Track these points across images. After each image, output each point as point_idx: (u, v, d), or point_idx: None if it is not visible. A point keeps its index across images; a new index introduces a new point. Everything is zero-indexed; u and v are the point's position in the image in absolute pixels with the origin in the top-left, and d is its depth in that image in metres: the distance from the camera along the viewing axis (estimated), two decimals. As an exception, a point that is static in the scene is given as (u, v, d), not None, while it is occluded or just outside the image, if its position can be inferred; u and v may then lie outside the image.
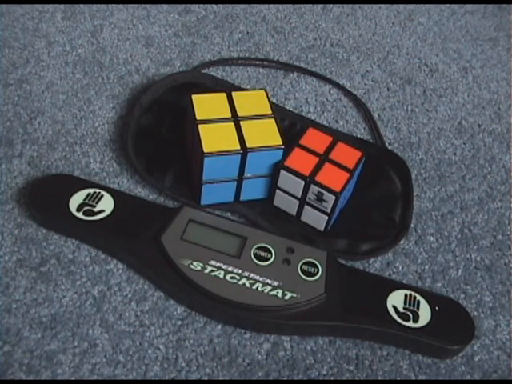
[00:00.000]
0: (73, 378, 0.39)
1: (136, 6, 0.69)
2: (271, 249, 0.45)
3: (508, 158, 0.57)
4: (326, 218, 0.47)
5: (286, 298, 0.42)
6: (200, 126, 0.46)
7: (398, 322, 0.42)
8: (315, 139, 0.48)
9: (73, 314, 0.42)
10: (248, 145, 0.45)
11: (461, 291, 0.47)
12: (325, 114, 0.59)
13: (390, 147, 0.57)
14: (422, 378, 0.41)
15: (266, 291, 0.42)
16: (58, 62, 0.61)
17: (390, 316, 0.42)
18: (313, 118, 0.59)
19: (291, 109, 0.59)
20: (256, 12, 0.71)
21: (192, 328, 0.42)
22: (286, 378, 0.41)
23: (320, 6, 0.73)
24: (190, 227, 0.45)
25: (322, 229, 0.48)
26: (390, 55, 0.67)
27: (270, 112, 0.48)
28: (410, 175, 0.52)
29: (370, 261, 0.48)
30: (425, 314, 0.43)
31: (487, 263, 0.49)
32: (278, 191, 0.48)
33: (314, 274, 0.44)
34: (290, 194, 0.47)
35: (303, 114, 0.59)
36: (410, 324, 0.42)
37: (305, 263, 0.44)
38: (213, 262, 0.43)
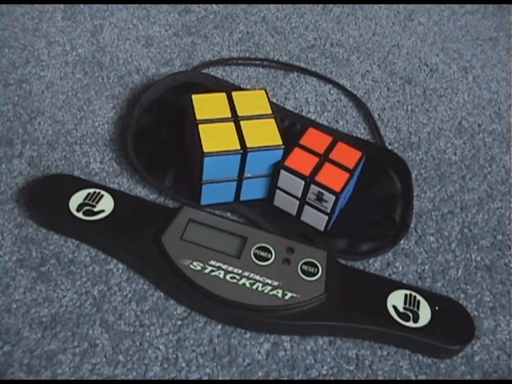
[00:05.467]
0: (73, 378, 0.39)
1: (136, 6, 0.69)
2: (271, 249, 0.45)
3: (508, 158, 0.57)
4: (326, 217, 0.47)
5: (286, 297, 0.42)
6: (200, 126, 0.46)
7: (398, 322, 0.42)
8: (315, 139, 0.48)
9: (73, 314, 0.42)
10: (248, 145, 0.45)
11: (461, 291, 0.47)
12: (325, 113, 0.59)
13: (390, 147, 0.57)
14: (421, 377, 0.41)
15: (266, 291, 0.42)
16: (58, 61, 0.61)
17: (390, 316, 0.42)
18: (313, 118, 0.59)
19: (291, 109, 0.59)
20: (256, 12, 0.71)
21: (192, 328, 0.42)
22: (286, 378, 0.41)
23: (320, 6, 0.73)
24: (190, 227, 0.45)
25: (322, 229, 0.48)
26: (390, 55, 0.67)
27: (270, 112, 0.48)
28: (410, 175, 0.52)
29: (370, 261, 0.48)
30: (425, 314, 0.43)
31: (487, 263, 0.49)
32: (278, 191, 0.48)
33: (314, 274, 0.44)
34: (290, 194, 0.47)
35: (303, 113, 0.59)
36: (410, 324, 0.42)
37: (305, 263, 0.44)
38: (213, 262, 0.43)
